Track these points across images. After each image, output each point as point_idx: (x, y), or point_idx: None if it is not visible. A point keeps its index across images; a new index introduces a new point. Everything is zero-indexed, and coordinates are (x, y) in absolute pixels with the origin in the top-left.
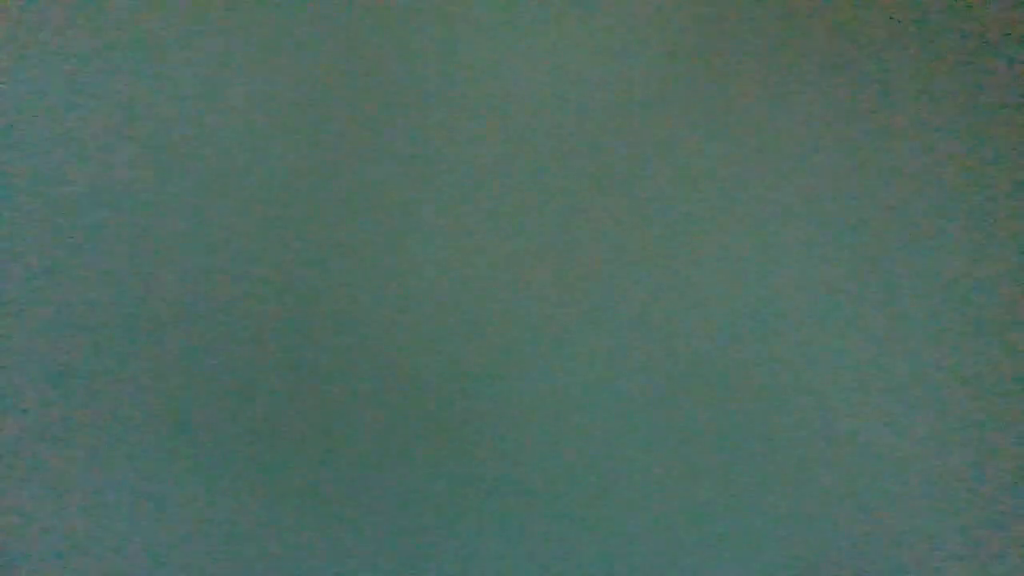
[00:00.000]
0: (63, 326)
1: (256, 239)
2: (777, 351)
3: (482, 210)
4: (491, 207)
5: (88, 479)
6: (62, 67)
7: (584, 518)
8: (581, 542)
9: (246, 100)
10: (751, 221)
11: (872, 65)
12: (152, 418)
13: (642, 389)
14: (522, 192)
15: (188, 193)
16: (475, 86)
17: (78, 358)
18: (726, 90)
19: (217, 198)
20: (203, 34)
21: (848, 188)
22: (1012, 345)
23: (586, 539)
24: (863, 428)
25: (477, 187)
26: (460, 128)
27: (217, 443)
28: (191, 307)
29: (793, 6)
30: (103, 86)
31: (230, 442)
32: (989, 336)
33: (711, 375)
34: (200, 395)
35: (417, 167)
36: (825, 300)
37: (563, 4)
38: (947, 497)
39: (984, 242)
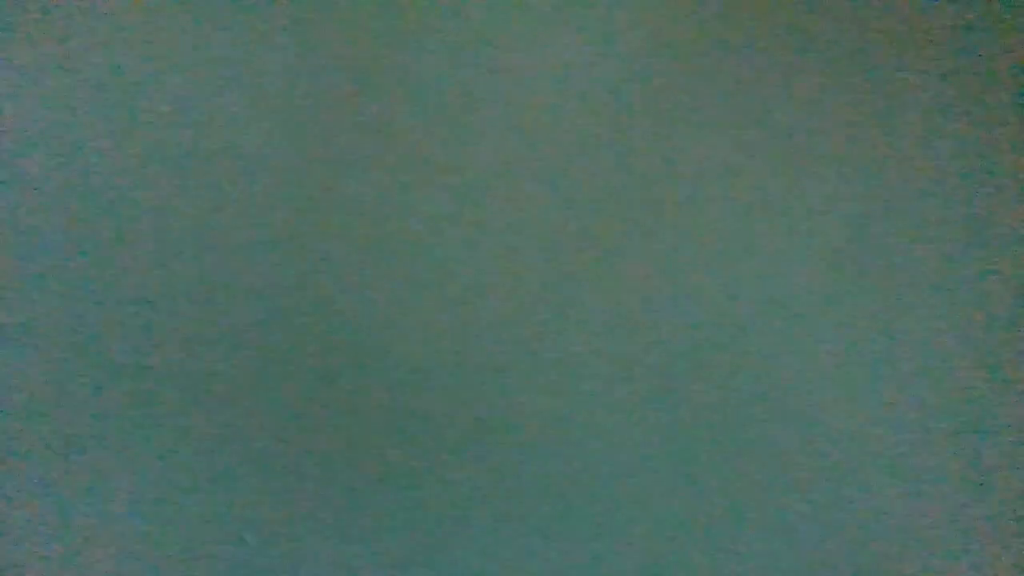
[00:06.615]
0: (64, 327)
1: (258, 240)
2: (776, 350)
3: (484, 210)
4: (493, 207)
5: (89, 481)
6: (61, 68)
7: (583, 518)
8: (580, 542)
9: (248, 100)
10: (752, 220)
11: (873, 64)
12: (155, 420)
13: (642, 388)
14: (524, 191)
15: (190, 194)
16: (476, 85)
17: (79, 359)
18: (727, 89)
19: (219, 198)
20: (204, 33)
21: (848, 187)
22: (1012, 345)
23: (585, 538)
24: (862, 428)
25: (478, 186)
26: (461, 128)
27: (220, 446)
28: (193, 308)
29: (795, 5)
30: (102, 87)
31: (232, 445)
32: (989, 336)
33: (712, 375)
34: (203, 397)
35: (418, 167)
36: (824, 299)
37: (564, 4)
38: (946, 498)
39: (984, 242)
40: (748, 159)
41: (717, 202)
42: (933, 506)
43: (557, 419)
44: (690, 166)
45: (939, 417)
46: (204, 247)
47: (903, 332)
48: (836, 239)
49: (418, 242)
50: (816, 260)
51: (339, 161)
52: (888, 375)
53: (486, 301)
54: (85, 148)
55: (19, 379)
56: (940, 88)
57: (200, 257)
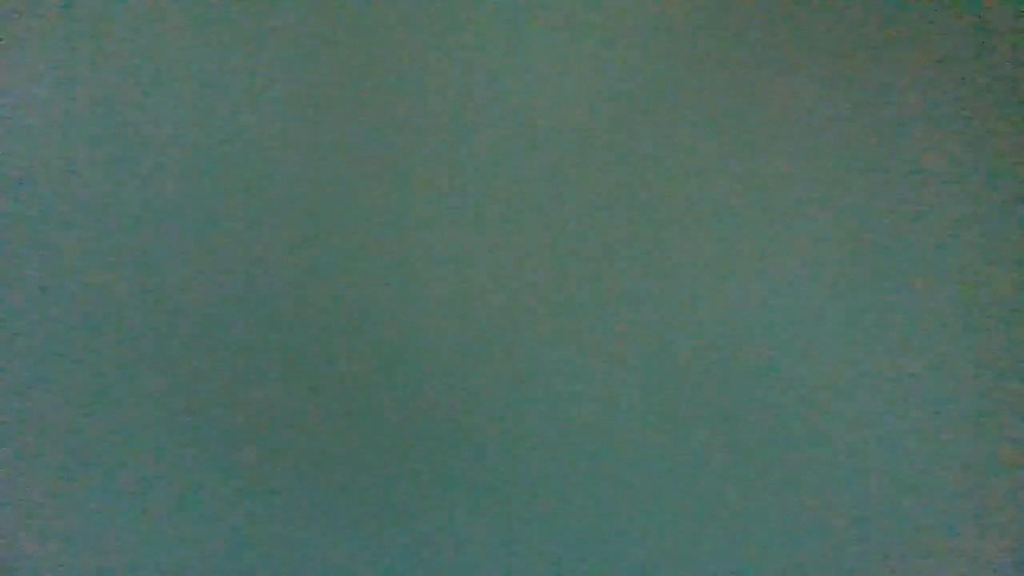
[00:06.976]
0: (64, 326)
1: (257, 239)
2: (777, 349)
3: (485, 211)
4: (494, 208)
5: (89, 481)
6: (61, 70)
7: (583, 517)
8: (580, 540)
9: (250, 100)
10: (753, 221)
11: (875, 65)
12: (154, 421)
13: (643, 387)
14: (524, 191)
15: (190, 194)
16: (476, 85)
17: (79, 359)
18: (728, 89)
19: (219, 198)
20: (204, 34)
21: (849, 188)
22: (1013, 345)
23: (585, 537)
24: (863, 427)
25: (479, 188)
26: (461, 127)
27: (218, 446)
28: (193, 309)
29: (795, 4)
30: (104, 88)
31: (232, 444)
32: (990, 336)
33: (712, 374)
34: (201, 397)
35: (418, 168)
36: (825, 298)
37: (564, 4)
38: (947, 497)
39: (985, 242)
40: (749, 158)
41: (717, 201)
42: (934, 505)
43: (558, 418)
44: (691, 166)
45: (940, 416)
46: (205, 246)
47: (904, 331)
48: (837, 238)
49: (418, 241)
50: (817, 259)
51: (340, 161)
52: (889, 374)
53: (486, 300)
54: (85, 149)
55: (20, 379)
56: (940, 88)
57: (201, 256)
